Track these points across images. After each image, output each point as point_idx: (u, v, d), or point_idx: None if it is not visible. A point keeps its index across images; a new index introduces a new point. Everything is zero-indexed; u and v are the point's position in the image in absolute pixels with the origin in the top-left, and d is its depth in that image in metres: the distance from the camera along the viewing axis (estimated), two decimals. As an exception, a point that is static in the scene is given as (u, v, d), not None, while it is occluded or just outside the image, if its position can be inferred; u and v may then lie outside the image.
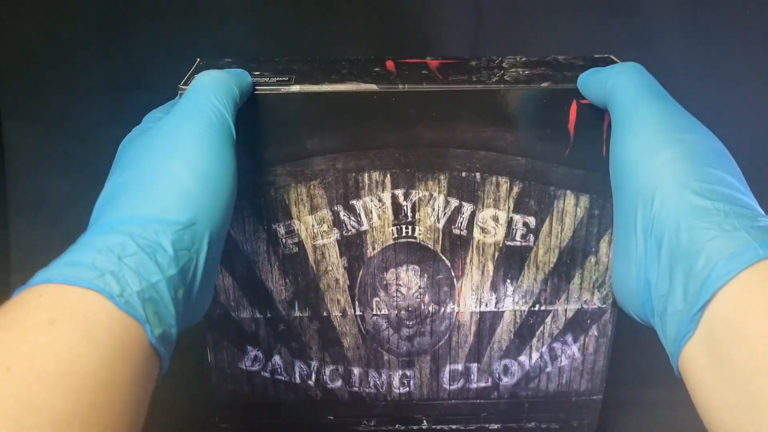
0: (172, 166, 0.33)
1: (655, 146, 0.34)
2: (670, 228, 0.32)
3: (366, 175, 0.42)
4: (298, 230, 0.44)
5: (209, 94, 0.36)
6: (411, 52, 0.47)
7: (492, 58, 0.45)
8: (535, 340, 0.48)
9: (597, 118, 0.41)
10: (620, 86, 0.37)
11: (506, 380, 0.49)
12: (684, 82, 0.61)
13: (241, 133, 0.37)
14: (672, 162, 0.33)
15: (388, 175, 0.43)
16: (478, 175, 0.43)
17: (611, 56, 0.45)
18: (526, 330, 0.47)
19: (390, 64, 0.44)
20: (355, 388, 0.49)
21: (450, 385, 0.49)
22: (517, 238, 0.44)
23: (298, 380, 0.48)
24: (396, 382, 0.49)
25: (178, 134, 0.34)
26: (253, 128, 0.41)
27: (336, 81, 0.41)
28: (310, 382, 0.48)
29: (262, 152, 0.42)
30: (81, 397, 0.26)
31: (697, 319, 0.30)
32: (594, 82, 0.39)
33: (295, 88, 0.40)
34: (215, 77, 0.37)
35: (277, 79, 0.41)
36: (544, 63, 0.44)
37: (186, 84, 0.40)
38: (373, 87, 0.40)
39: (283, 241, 0.44)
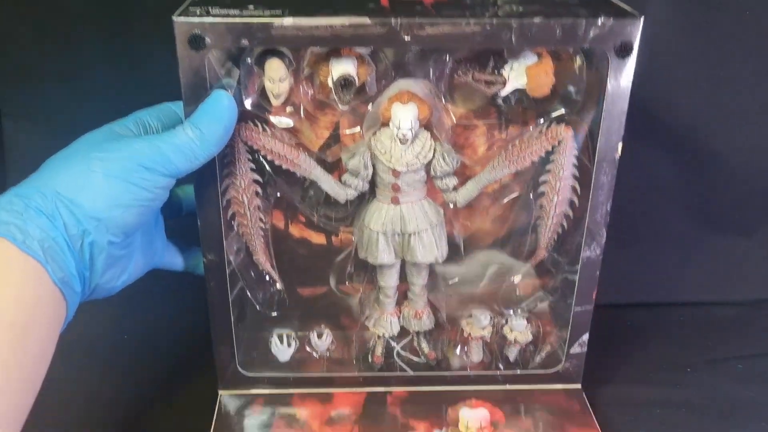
0: (89, 155, 0.39)
1: None
2: None
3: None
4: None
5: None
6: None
7: None
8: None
9: None
10: None
11: None
12: (684, 82, 0.61)
13: None
14: None
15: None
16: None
17: None
18: None
19: (384, 1, 0.43)
20: None
21: None
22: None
23: None
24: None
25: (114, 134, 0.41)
26: None
27: (329, 14, 0.40)
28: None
29: None
30: None
31: None
32: None
33: (288, 20, 0.39)
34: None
35: (271, 12, 0.40)
36: (537, 0, 0.43)
37: (182, 15, 0.40)
38: (365, 20, 0.39)
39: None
